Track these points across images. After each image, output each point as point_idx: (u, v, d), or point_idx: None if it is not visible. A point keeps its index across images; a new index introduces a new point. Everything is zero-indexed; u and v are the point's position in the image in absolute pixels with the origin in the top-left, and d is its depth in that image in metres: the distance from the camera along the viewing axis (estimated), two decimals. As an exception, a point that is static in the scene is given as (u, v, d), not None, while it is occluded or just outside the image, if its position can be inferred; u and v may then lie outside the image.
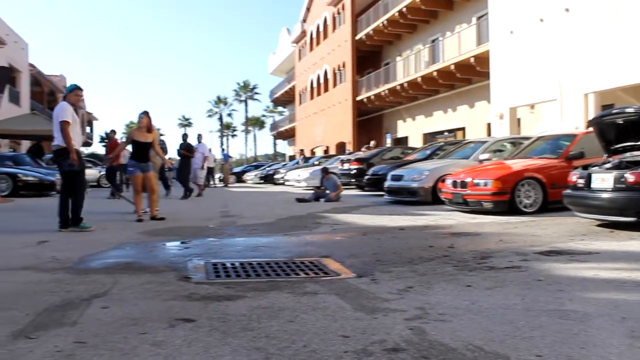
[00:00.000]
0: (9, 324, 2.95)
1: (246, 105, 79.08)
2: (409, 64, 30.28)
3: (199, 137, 18.86)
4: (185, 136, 17.27)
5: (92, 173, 24.77)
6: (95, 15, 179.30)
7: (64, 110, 7.66)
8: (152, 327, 2.86)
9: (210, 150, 25.01)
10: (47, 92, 42.96)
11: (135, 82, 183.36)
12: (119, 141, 16.30)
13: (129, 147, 9.59)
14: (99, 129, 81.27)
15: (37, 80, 40.18)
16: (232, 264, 4.74)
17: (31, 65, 38.08)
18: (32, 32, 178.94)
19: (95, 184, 24.84)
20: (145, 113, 9.35)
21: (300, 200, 14.11)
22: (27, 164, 19.75)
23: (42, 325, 2.93)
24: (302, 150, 40.08)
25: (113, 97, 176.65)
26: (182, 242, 6.34)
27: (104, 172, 25.15)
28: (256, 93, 78.66)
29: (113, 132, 17.63)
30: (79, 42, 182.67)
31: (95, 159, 33.91)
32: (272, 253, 5.49)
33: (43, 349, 2.53)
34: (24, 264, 4.86)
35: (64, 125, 7.54)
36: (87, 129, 50.76)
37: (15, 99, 33.13)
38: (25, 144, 33.90)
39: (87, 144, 45.03)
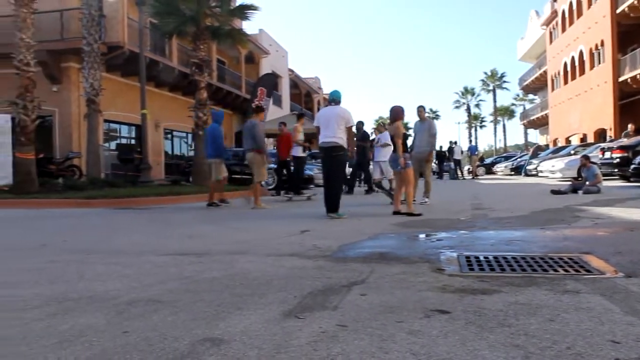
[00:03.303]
0: (281, 303, 3.26)
1: (494, 94, 77.05)
2: (686, 35, 26.41)
3: (380, 125, 16.61)
4: (360, 124, 16.55)
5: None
6: (342, 16, 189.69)
7: (352, 116, 8.60)
8: (408, 316, 2.92)
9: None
10: (304, 94, 46.78)
11: (382, 77, 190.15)
12: (290, 133, 15.41)
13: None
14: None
15: (295, 83, 44.09)
16: (485, 257, 4.62)
17: (290, 70, 41.96)
18: (289, 39, 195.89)
19: (348, 177, 26.29)
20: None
21: (555, 192, 13.38)
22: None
23: (308, 307, 3.16)
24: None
25: (362, 94, 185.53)
26: (432, 234, 6.40)
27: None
28: (505, 81, 76.22)
29: (283, 124, 16.66)
30: (329, 44, 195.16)
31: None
32: (527, 247, 5.23)
33: (310, 329, 2.73)
34: (291, 251, 5.30)
35: (351, 130, 8.69)
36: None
37: (277, 101, 36.79)
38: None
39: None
